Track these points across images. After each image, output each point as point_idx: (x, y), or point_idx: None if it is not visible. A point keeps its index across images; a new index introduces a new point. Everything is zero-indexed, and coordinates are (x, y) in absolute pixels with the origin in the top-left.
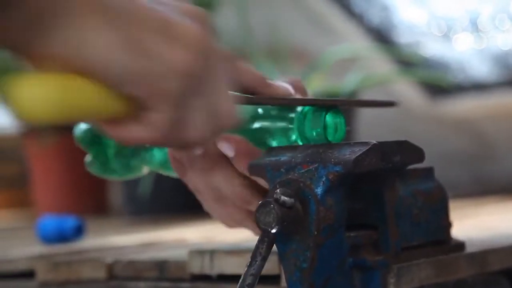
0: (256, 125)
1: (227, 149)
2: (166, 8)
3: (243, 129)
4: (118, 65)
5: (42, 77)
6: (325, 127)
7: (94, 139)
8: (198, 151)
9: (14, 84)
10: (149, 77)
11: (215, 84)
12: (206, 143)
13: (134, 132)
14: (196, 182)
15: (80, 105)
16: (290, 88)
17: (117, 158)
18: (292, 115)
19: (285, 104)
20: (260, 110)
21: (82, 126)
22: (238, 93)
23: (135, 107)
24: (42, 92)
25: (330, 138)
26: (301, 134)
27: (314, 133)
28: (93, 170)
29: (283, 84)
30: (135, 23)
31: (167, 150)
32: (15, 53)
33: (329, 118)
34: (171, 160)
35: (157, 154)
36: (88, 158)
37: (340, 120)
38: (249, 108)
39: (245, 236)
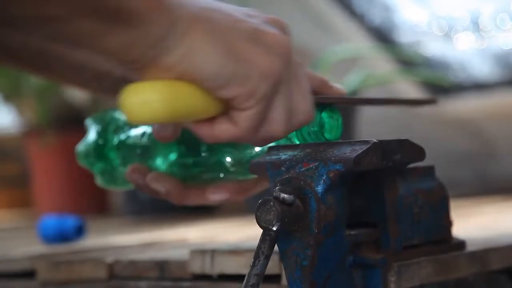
0: None
1: (219, 196)
2: (255, 19)
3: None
4: (220, 71)
5: (150, 83)
6: (321, 125)
7: (97, 155)
8: (163, 191)
9: (129, 90)
10: (244, 80)
11: (296, 85)
12: (284, 136)
13: (225, 129)
14: None
15: (184, 107)
16: (344, 89)
17: (123, 168)
18: None
19: (348, 103)
20: None
21: (82, 146)
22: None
23: (228, 108)
24: (151, 96)
25: (327, 136)
26: (298, 134)
27: (311, 132)
28: (102, 183)
29: (340, 85)
30: (232, 34)
31: (170, 160)
32: (131, 67)
33: (325, 116)
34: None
35: (161, 164)
36: (95, 174)
37: (336, 117)
38: None
39: (246, 236)
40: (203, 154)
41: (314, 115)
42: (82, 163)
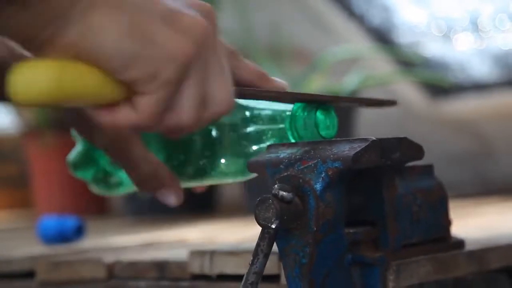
0: (250, 129)
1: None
2: (176, 1)
3: (236, 134)
4: (120, 52)
5: (39, 61)
6: (316, 123)
7: (88, 160)
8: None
9: (17, 69)
10: (147, 62)
11: (212, 73)
12: (197, 127)
13: (125, 115)
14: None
15: (77, 88)
16: (286, 84)
17: (118, 170)
18: (284, 114)
19: (281, 99)
20: (249, 114)
21: (74, 152)
22: (237, 87)
23: (129, 92)
24: (38, 74)
25: (323, 134)
26: (294, 133)
27: (307, 130)
28: (99, 191)
29: (281, 80)
30: (141, 11)
31: (164, 159)
32: (28, 47)
33: (320, 114)
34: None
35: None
36: (89, 182)
37: (331, 115)
38: (241, 112)
39: (245, 237)
40: (196, 153)
41: (233, 107)
42: (75, 172)
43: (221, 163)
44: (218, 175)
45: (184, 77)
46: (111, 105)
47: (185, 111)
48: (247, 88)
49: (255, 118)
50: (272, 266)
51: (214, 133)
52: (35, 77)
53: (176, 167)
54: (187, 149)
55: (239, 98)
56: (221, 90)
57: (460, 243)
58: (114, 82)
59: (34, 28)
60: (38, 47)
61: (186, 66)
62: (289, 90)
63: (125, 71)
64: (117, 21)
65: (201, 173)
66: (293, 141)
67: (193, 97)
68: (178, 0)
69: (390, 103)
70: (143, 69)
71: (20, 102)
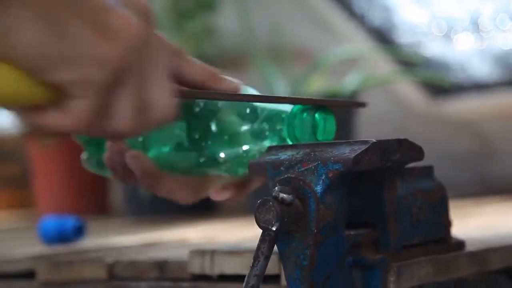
0: (245, 127)
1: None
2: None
3: (232, 132)
4: (40, 51)
5: None
6: (314, 127)
7: (92, 139)
8: (137, 172)
9: None
10: (73, 64)
11: (148, 77)
12: (136, 134)
13: (55, 119)
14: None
15: (1, 90)
16: (239, 84)
17: None
18: (283, 115)
19: (227, 99)
20: (248, 112)
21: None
22: (183, 88)
23: (58, 95)
24: None
25: (320, 137)
26: (291, 135)
27: (304, 133)
28: (89, 167)
29: (234, 80)
30: (64, 10)
31: (162, 149)
32: None
33: (318, 117)
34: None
35: (151, 152)
36: (84, 155)
37: (330, 120)
38: (237, 110)
39: (245, 236)
40: (196, 148)
41: (176, 113)
42: (77, 139)
43: (220, 157)
44: (215, 170)
45: (117, 82)
46: (42, 107)
47: (121, 119)
48: (192, 90)
49: (253, 116)
50: (272, 266)
51: (213, 127)
52: None
53: (174, 160)
54: (186, 142)
55: (185, 100)
56: (161, 96)
57: (460, 244)
58: (41, 83)
59: None
60: None
61: (117, 71)
62: (289, 90)
63: (48, 72)
64: (34, 19)
65: (198, 166)
66: (290, 142)
67: (130, 104)
68: None
69: (360, 104)
70: (70, 71)
71: None
